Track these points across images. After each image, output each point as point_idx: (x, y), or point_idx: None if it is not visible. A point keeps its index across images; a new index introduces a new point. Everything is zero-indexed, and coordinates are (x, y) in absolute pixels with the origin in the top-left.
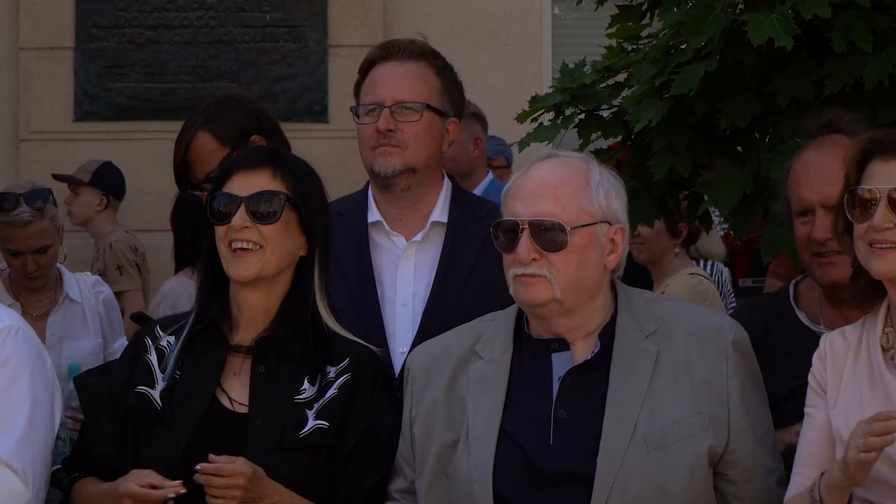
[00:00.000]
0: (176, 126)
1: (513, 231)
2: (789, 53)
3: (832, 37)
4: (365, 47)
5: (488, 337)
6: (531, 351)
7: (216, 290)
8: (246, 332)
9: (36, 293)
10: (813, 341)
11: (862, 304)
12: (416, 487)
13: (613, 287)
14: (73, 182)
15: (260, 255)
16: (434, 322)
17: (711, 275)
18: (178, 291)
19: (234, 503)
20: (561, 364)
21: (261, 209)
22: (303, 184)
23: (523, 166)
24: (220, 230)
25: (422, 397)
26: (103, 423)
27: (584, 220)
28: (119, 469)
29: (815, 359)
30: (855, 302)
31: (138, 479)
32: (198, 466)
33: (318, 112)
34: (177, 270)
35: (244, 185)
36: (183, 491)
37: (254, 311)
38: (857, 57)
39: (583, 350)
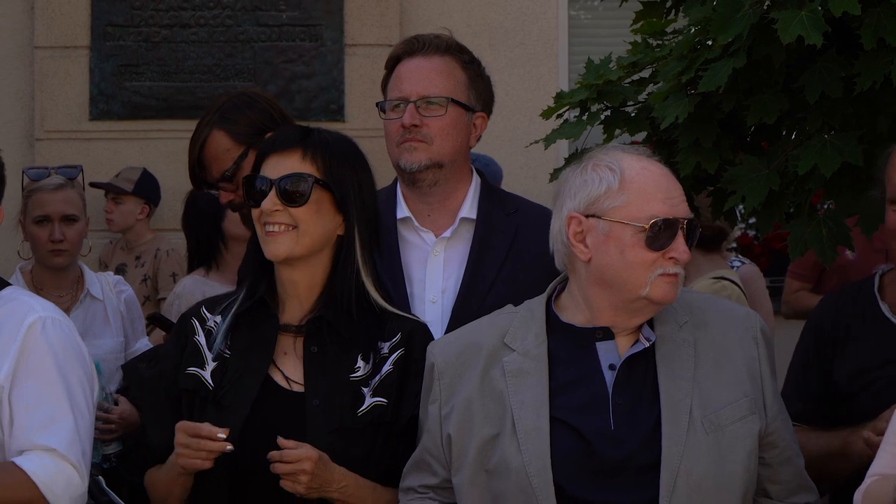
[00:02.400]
0: (192, 125)
1: (671, 228)
2: (818, 50)
3: (862, 33)
4: (382, 46)
5: (517, 329)
6: (571, 340)
7: (263, 271)
8: (293, 312)
9: (57, 285)
10: (892, 334)
11: None
12: (454, 485)
13: None
14: (114, 191)
15: (292, 235)
16: (463, 319)
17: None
18: (191, 290)
19: (303, 487)
20: (607, 353)
21: (290, 191)
22: (336, 163)
23: (546, 166)
24: (255, 212)
25: (452, 393)
26: (157, 408)
27: None
28: None
29: None
30: None
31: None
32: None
33: (334, 111)
34: (190, 270)
35: (276, 167)
36: (230, 448)
37: (298, 290)
38: (887, 54)
39: (627, 340)
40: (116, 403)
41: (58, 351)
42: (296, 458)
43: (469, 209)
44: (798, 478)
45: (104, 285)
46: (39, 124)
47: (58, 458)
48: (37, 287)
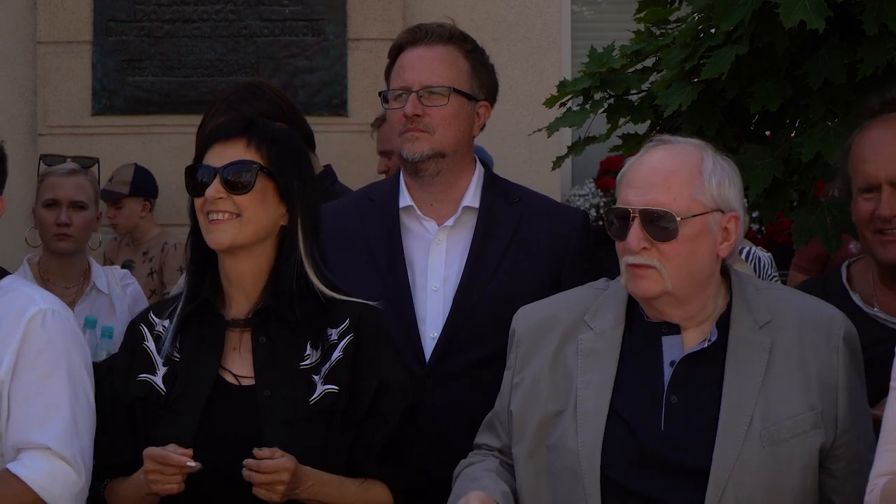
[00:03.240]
0: (195, 120)
1: (625, 219)
2: (821, 36)
3: (864, 19)
4: (384, 41)
5: (598, 307)
6: (641, 331)
7: (206, 267)
8: (240, 306)
9: (64, 277)
10: (864, 324)
11: None
12: (513, 454)
13: (726, 274)
14: (113, 197)
15: (235, 223)
16: (465, 307)
17: (748, 260)
18: None
19: (278, 496)
20: (671, 348)
21: (234, 179)
22: (279, 153)
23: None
24: (197, 202)
25: (526, 363)
26: (115, 420)
27: (695, 209)
28: (140, 463)
29: None
30: None
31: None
32: (244, 462)
33: (337, 105)
34: None
35: (220, 156)
36: (197, 467)
37: (243, 282)
38: (890, 39)
39: (695, 337)
40: None
41: (58, 343)
42: (273, 469)
43: (472, 198)
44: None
45: (111, 279)
46: (42, 119)
47: (52, 458)
48: (44, 278)
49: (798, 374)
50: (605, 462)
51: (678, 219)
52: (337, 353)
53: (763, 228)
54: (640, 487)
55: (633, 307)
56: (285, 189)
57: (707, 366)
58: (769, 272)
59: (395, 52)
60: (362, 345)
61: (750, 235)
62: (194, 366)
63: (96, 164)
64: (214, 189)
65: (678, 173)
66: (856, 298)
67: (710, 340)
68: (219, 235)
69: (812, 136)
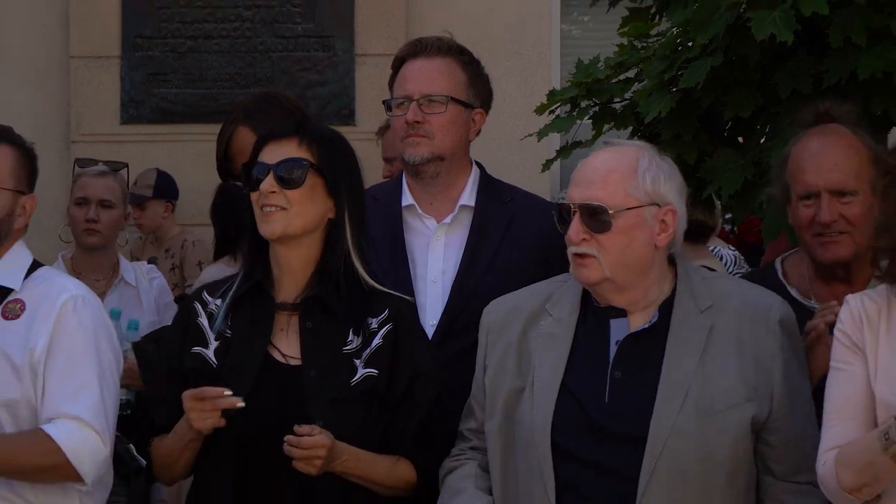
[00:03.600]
0: (215, 128)
1: (568, 213)
2: (790, 49)
3: (830, 33)
4: (389, 56)
5: (558, 297)
6: (594, 316)
7: (259, 253)
8: (288, 291)
9: (94, 270)
10: (803, 315)
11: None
12: (486, 430)
13: (674, 264)
14: (137, 200)
15: (286, 215)
16: (461, 297)
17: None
18: (215, 277)
19: (315, 470)
20: (617, 330)
21: (286, 175)
22: (328, 151)
23: (538, 158)
24: (253, 195)
25: (495, 347)
26: (163, 387)
27: (630, 203)
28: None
29: (845, 317)
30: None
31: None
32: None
33: (346, 115)
34: (216, 258)
35: (273, 153)
36: (241, 404)
37: (292, 268)
38: (853, 51)
39: (640, 319)
40: None
41: (88, 327)
42: (311, 445)
43: (468, 198)
44: (802, 460)
45: (138, 273)
46: (75, 128)
47: (83, 426)
48: (76, 271)
49: (735, 354)
50: (555, 432)
51: (612, 212)
52: (377, 340)
53: (735, 228)
54: (587, 454)
55: (588, 296)
56: (333, 185)
57: (649, 344)
58: (731, 269)
59: (398, 63)
60: (399, 335)
61: (722, 235)
62: (245, 342)
63: (125, 169)
64: (268, 184)
65: (615, 171)
66: (794, 292)
67: (651, 322)
68: (271, 226)
69: (781, 141)
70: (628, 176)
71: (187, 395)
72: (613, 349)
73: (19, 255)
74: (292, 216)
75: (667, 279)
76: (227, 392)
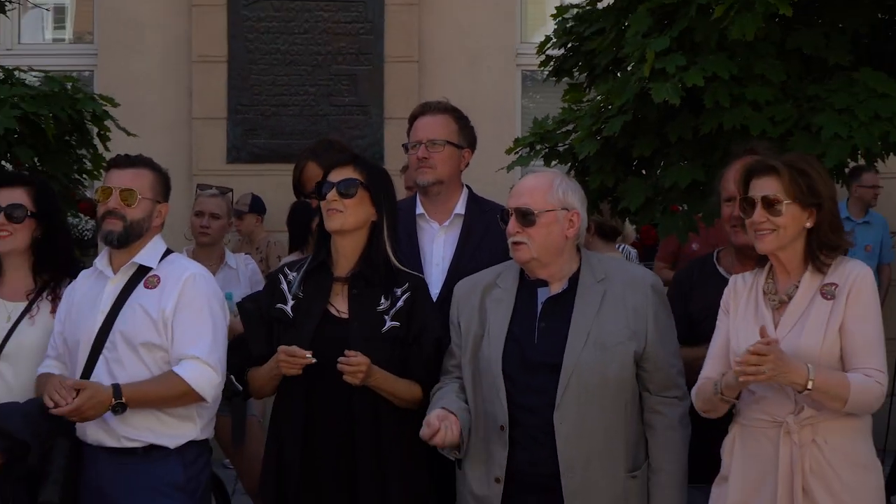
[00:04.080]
0: (289, 167)
1: (508, 214)
2: (677, 109)
3: (705, 98)
4: (406, 118)
5: (505, 275)
6: (527, 287)
7: (325, 242)
8: (342, 268)
9: (208, 259)
10: (724, 283)
11: (760, 263)
12: (461, 363)
13: (580, 250)
14: (238, 213)
15: (342, 215)
16: (456, 276)
17: (622, 252)
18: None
19: (358, 380)
20: (543, 294)
21: (344, 190)
22: (373, 175)
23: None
24: (322, 203)
25: (463, 309)
26: (258, 330)
27: (548, 207)
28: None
29: (725, 291)
30: (759, 262)
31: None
32: (339, 358)
33: (378, 159)
34: (290, 253)
35: (336, 175)
36: (314, 361)
37: (346, 254)
38: (720, 110)
39: (557, 287)
40: None
41: (203, 294)
42: (356, 363)
43: (460, 209)
44: (668, 380)
45: (238, 261)
46: (195, 164)
47: (201, 364)
48: (197, 259)
49: (620, 308)
50: (504, 363)
51: (536, 213)
52: (400, 303)
53: (639, 235)
54: (524, 379)
55: (524, 273)
56: (376, 198)
57: (563, 304)
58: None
59: (412, 119)
60: (415, 300)
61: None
62: (312, 301)
63: (230, 192)
64: (332, 195)
65: (538, 187)
66: (721, 270)
67: (563, 288)
68: (332, 223)
69: (671, 170)
70: (547, 190)
71: (282, 349)
72: (540, 307)
73: (156, 245)
74: (347, 217)
75: (574, 260)
76: (308, 354)
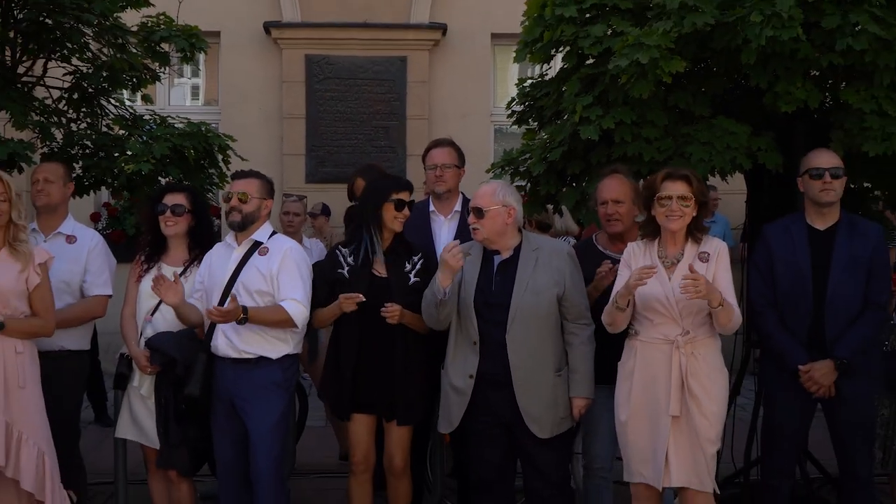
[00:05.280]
0: (343, 185)
1: (469, 211)
2: (597, 142)
3: (615, 135)
4: (420, 154)
5: (476, 247)
6: (486, 255)
7: (376, 231)
8: (384, 246)
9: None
10: (599, 257)
11: (644, 237)
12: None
13: (521, 231)
14: (313, 215)
15: (401, 224)
16: None
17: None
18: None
19: (395, 320)
20: (497, 259)
21: (405, 209)
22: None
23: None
24: (397, 214)
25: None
26: (322, 288)
27: (494, 206)
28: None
29: (626, 251)
30: (643, 235)
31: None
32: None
33: None
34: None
35: (402, 197)
36: (363, 299)
37: (384, 238)
38: (624, 143)
39: (506, 255)
40: None
41: (297, 260)
42: (393, 310)
43: (458, 207)
44: (579, 312)
45: (312, 244)
46: (285, 183)
47: (297, 303)
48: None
49: (549, 268)
50: (475, 303)
51: (484, 210)
52: (418, 266)
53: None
54: (488, 314)
55: (485, 248)
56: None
57: (510, 265)
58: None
59: (426, 150)
60: (426, 265)
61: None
62: (362, 268)
63: (306, 198)
64: (405, 212)
65: (486, 193)
66: (599, 246)
67: (510, 255)
68: (398, 227)
69: (592, 184)
70: (494, 194)
71: (343, 296)
72: (496, 268)
73: (266, 227)
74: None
75: (516, 238)
76: (360, 295)
